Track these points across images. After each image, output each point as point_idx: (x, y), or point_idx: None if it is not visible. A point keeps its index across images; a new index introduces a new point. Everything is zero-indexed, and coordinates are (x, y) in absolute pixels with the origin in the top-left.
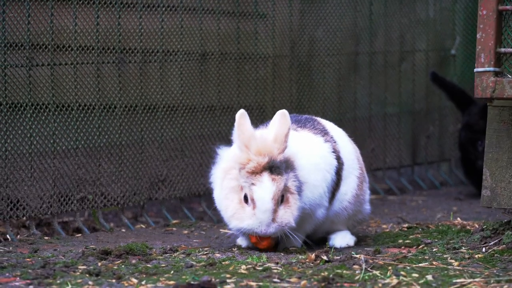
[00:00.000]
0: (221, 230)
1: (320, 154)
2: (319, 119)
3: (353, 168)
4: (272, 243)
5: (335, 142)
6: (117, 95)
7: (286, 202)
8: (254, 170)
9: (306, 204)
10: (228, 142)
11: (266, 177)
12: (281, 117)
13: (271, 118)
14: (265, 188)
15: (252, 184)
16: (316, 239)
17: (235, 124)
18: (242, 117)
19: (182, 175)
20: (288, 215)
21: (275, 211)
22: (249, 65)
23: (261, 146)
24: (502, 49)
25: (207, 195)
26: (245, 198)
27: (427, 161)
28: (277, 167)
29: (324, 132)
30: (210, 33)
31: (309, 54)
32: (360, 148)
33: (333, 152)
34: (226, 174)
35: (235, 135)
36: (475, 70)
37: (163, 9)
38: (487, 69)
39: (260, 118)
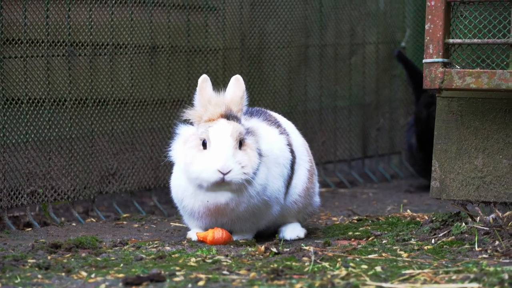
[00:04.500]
0: (171, 223)
1: (278, 147)
2: (269, 111)
3: (303, 160)
4: (222, 237)
5: (287, 134)
6: (67, 88)
7: (245, 151)
8: (211, 117)
9: (266, 190)
10: None
11: (222, 120)
12: (236, 81)
13: None
14: (221, 126)
15: (209, 127)
16: (267, 233)
17: (197, 87)
18: (204, 81)
19: (132, 168)
20: (246, 160)
21: (234, 149)
22: (200, 58)
23: (219, 100)
24: (451, 40)
25: (157, 189)
26: (204, 145)
27: (377, 154)
28: (234, 116)
29: (277, 124)
30: (160, 26)
31: (259, 47)
32: (311, 141)
33: (287, 145)
34: (186, 142)
35: (197, 97)
36: (424, 61)
37: (113, 2)
38: (436, 60)
39: None
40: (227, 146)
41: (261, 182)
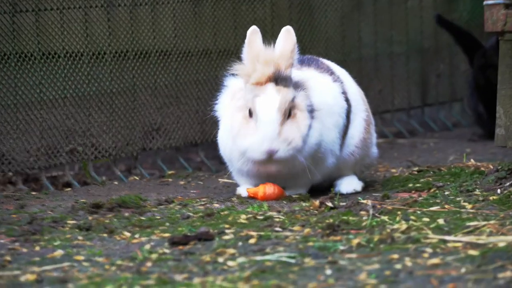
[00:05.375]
0: (219, 180)
1: (332, 95)
2: (321, 59)
3: (359, 110)
4: (274, 192)
5: (342, 82)
6: (107, 41)
7: (293, 117)
8: (259, 81)
9: (320, 146)
10: None
11: (270, 87)
12: (286, 33)
13: None
14: (269, 97)
15: (256, 96)
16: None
17: (246, 40)
18: (253, 33)
19: (177, 123)
20: (294, 132)
21: (281, 125)
22: (246, 6)
23: (268, 57)
24: None
25: (204, 144)
26: (250, 114)
27: (438, 102)
28: (283, 78)
29: (330, 72)
30: None
31: None
32: (367, 90)
33: (342, 93)
34: (233, 97)
35: (245, 51)
36: (485, 3)
37: None
38: (497, 1)
39: None
40: (274, 122)
41: (314, 141)
